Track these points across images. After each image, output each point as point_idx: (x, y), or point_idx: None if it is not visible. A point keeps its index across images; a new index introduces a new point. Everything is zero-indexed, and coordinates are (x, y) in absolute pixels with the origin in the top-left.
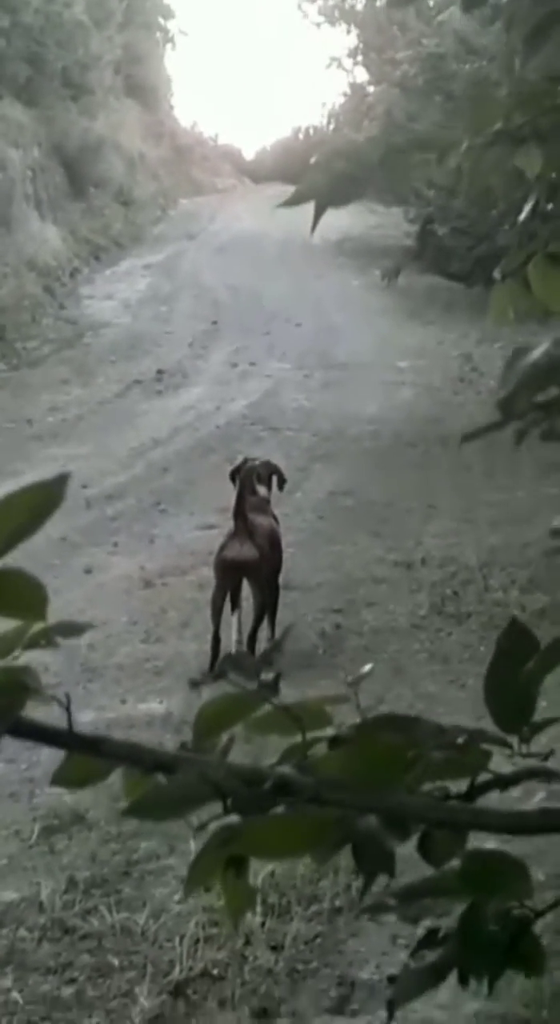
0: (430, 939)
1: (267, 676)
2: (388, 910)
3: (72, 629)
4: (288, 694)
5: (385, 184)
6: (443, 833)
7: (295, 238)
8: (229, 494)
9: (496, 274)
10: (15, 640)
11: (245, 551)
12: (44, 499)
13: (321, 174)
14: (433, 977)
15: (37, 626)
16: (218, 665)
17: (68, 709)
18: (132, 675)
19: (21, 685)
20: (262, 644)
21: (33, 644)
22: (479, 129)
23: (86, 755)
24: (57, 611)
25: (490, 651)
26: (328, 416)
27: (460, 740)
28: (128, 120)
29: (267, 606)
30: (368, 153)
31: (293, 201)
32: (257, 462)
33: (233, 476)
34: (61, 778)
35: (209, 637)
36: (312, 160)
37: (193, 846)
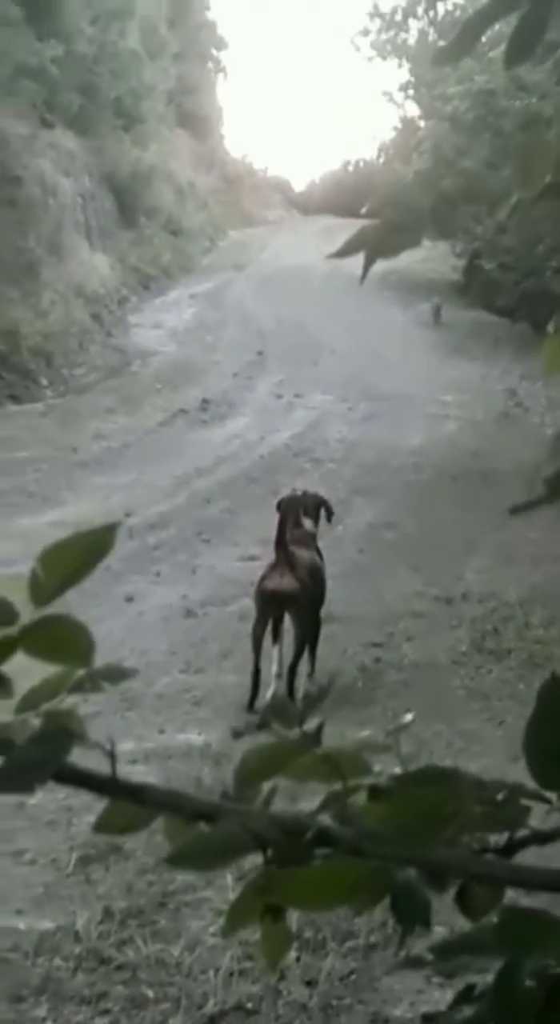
0: (466, 995)
1: (310, 725)
2: (425, 965)
3: (118, 674)
4: (326, 730)
5: (435, 234)
6: (481, 888)
7: (341, 271)
8: (272, 525)
9: (551, 327)
10: (60, 684)
11: (285, 582)
12: (94, 546)
13: (372, 228)
14: None
15: (83, 669)
16: (261, 715)
17: (112, 755)
18: (171, 705)
19: (66, 731)
20: (302, 678)
21: (79, 688)
22: (530, 182)
23: (129, 803)
24: (98, 640)
25: (529, 689)
26: (371, 448)
27: (500, 796)
28: (179, 150)
29: (307, 639)
30: (418, 202)
31: (344, 252)
32: (302, 493)
33: (279, 506)
34: (103, 825)
35: (249, 668)
36: (363, 211)
37: (229, 880)
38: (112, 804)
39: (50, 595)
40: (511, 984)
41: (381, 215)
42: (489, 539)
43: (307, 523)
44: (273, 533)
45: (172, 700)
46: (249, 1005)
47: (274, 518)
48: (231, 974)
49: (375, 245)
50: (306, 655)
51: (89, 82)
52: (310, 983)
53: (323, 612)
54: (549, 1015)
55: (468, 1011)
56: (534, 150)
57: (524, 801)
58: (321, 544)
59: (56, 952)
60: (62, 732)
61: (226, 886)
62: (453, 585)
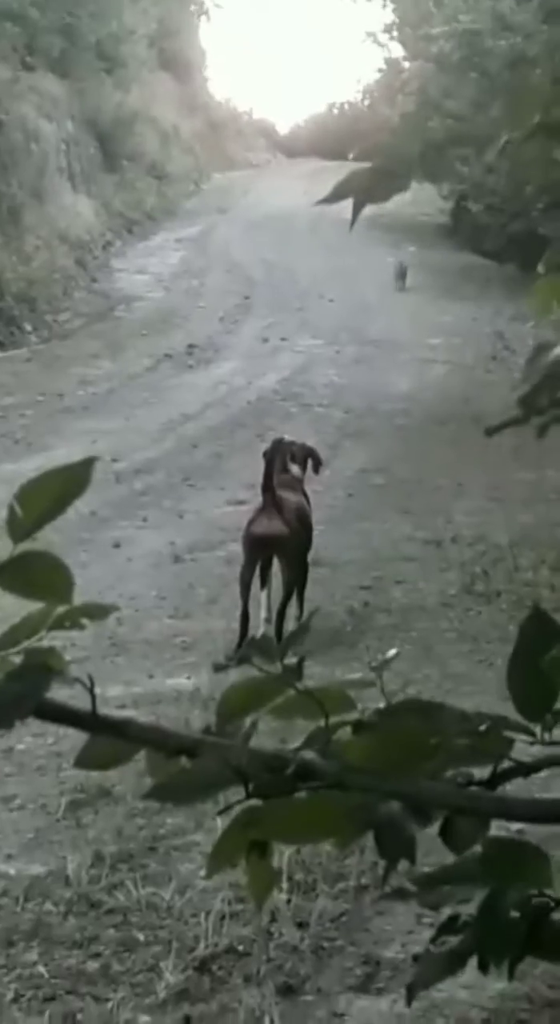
0: (451, 925)
1: (291, 660)
2: (410, 896)
3: (98, 611)
4: (315, 672)
5: (423, 177)
6: (465, 820)
7: (328, 214)
8: (260, 470)
9: (540, 268)
10: (41, 621)
11: (273, 526)
12: (70, 482)
13: (360, 173)
14: (453, 963)
15: (63, 607)
16: (241, 649)
17: (92, 691)
18: (160, 650)
19: (45, 667)
20: (290, 621)
21: (59, 625)
22: (518, 123)
23: (110, 737)
24: (85, 585)
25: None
26: (359, 393)
27: (483, 727)
28: (162, 93)
29: (295, 583)
30: (406, 147)
31: (333, 198)
32: (291, 442)
33: (266, 454)
34: (85, 760)
35: (237, 613)
36: (351, 156)
37: (219, 823)
38: (93, 739)
39: (28, 531)
40: (495, 913)
41: (370, 159)
42: (479, 482)
43: (294, 469)
44: (260, 478)
45: (161, 645)
46: (240, 947)
47: (261, 463)
48: (222, 917)
49: (364, 190)
50: (295, 599)
51: (70, 25)
52: (301, 925)
53: (311, 556)
54: (533, 943)
55: (452, 941)
56: (522, 91)
57: (507, 733)
58: (309, 488)
59: (46, 897)
60: (41, 667)
61: (216, 828)
62: (443, 528)
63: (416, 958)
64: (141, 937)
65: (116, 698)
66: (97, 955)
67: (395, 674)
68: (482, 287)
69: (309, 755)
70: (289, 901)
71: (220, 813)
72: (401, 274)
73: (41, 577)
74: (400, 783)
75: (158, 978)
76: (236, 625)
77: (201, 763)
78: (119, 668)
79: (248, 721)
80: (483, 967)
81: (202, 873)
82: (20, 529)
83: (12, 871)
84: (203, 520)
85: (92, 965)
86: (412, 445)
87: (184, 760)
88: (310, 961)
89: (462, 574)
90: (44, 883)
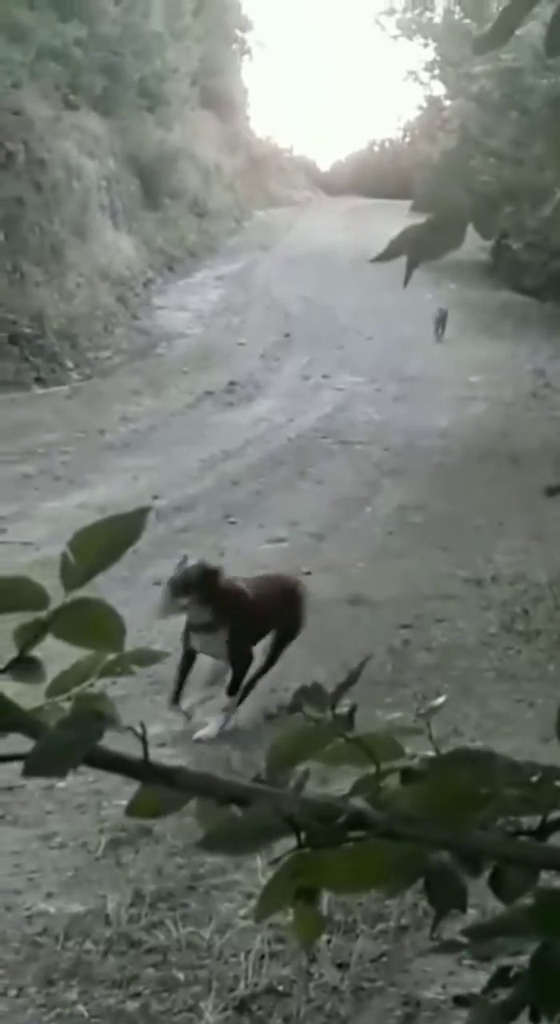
0: (502, 977)
1: (342, 709)
2: (460, 948)
3: (148, 657)
4: (357, 713)
5: (477, 232)
6: (515, 870)
7: (368, 251)
8: (300, 507)
9: None
10: (91, 667)
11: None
12: (124, 530)
13: (414, 229)
14: (505, 1015)
15: (113, 653)
16: (292, 697)
17: (144, 739)
18: (199, 689)
19: (97, 714)
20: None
21: (109, 672)
22: None
23: (161, 786)
24: (126, 623)
25: (559, 670)
26: (399, 430)
27: (534, 778)
28: (204, 131)
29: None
30: (459, 202)
31: (386, 256)
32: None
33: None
34: (136, 809)
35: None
36: (409, 209)
37: (259, 863)
38: (144, 788)
39: (80, 579)
40: (547, 966)
41: (426, 210)
42: (518, 520)
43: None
44: (301, 516)
45: (200, 684)
46: (280, 988)
47: (302, 500)
48: (262, 957)
49: (418, 247)
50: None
51: (113, 63)
52: (341, 965)
53: (350, 594)
54: None
55: (503, 994)
56: None
57: (558, 783)
58: (349, 526)
59: (86, 935)
60: (93, 715)
61: (256, 869)
62: (482, 567)
63: (457, 1000)
64: (181, 977)
65: (156, 736)
66: (137, 995)
67: (438, 717)
68: (521, 324)
69: (359, 803)
70: (329, 941)
71: (272, 863)
72: (441, 321)
73: (93, 624)
74: (450, 833)
75: (198, 1018)
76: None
77: (253, 812)
78: (158, 707)
79: (299, 770)
80: (535, 1019)
81: (242, 912)
82: (73, 577)
83: (52, 909)
84: (243, 557)
85: (132, 1005)
86: (451, 483)
87: (234, 808)
88: (350, 1002)
89: (502, 613)
90: (84, 922)
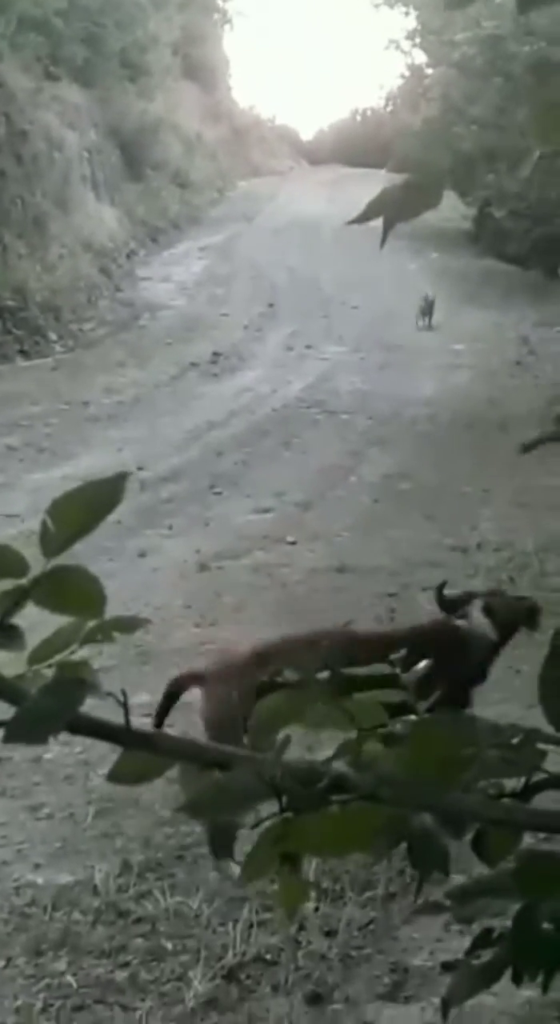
0: (485, 938)
1: (322, 674)
2: (443, 910)
3: (129, 624)
4: None
5: (454, 191)
6: (498, 833)
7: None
8: (286, 477)
9: None
10: (72, 635)
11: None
12: (103, 497)
13: (391, 190)
14: (488, 976)
15: (94, 620)
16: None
17: (125, 705)
18: (186, 658)
19: (79, 681)
20: None
21: (90, 639)
22: (545, 137)
23: (143, 751)
24: (111, 595)
25: (545, 637)
26: (384, 399)
27: (515, 739)
28: (186, 101)
29: None
30: (436, 161)
31: (364, 217)
32: None
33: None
34: (117, 774)
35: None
36: (385, 170)
37: (246, 831)
38: (126, 753)
39: (60, 546)
40: (529, 926)
41: (403, 171)
42: (504, 487)
43: None
44: (286, 485)
45: (187, 654)
46: (268, 956)
47: (287, 471)
48: (250, 925)
49: (395, 208)
50: None
51: (94, 34)
52: (329, 933)
53: (337, 563)
54: None
55: (486, 955)
56: (548, 103)
57: (540, 745)
58: (335, 494)
59: (75, 906)
60: (75, 682)
61: (243, 837)
62: (468, 534)
63: (445, 966)
64: (169, 946)
65: (144, 705)
66: (125, 964)
67: None
68: (506, 292)
69: (341, 767)
70: (317, 909)
71: (253, 827)
72: (427, 310)
73: (73, 592)
74: (433, 795)
75: (186, 987)
76: (263, 632)
77: (235, 777)
78: (146, 676)
79: (281, 734)
80: (517, 980)
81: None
82: (52, 544)
83: (40, 880)
84: (229, 528)
85: (120, 974)
86: (437, 451)
87: (217, 773)
88: (338, 969)
89: (488, 580)
90: (72, 892)
